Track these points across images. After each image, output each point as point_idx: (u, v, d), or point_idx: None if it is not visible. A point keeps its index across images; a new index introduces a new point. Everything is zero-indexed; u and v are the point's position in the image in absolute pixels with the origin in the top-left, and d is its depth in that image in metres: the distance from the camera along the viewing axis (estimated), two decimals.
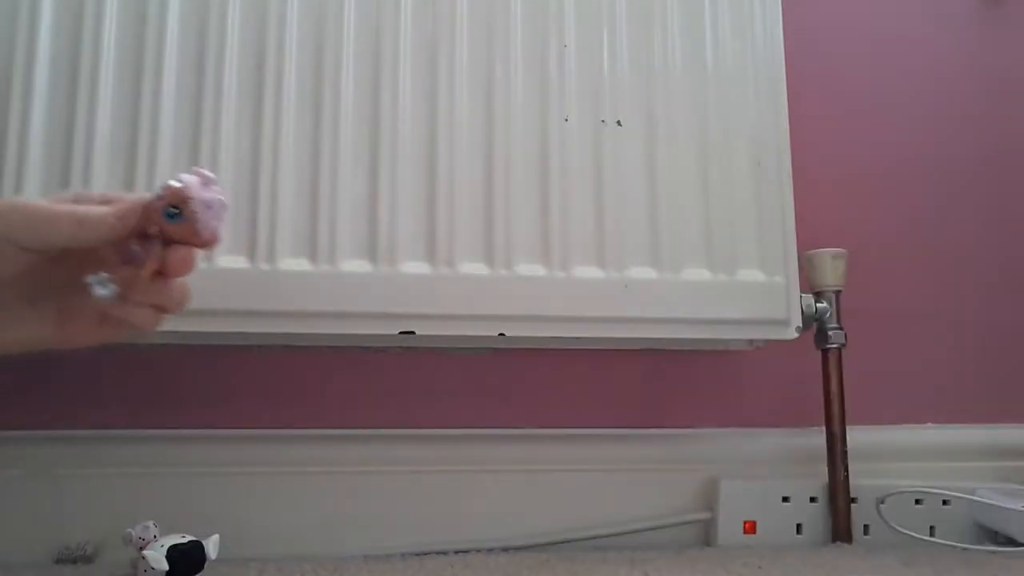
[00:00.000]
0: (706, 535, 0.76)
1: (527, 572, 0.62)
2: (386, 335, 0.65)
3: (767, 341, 0.74)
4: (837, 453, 0.74)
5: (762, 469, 0.78)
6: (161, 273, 0.42)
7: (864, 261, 0.81)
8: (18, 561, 0.65)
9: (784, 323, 0.71)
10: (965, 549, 0.70)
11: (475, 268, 0.66)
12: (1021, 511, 0.69)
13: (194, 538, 0.56)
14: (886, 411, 0.82)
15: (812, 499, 0.75)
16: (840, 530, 0.73)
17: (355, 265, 0.64)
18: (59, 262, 0.44)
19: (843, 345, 0.75)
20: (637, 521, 0.75)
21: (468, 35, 0.69)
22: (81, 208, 0.42)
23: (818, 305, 0.74)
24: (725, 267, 0.70)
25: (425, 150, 0.67)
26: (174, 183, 0.42)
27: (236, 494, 0.70)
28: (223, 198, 0.43)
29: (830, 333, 0.74)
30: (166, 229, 0.42)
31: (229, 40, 0.65)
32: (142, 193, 0.46)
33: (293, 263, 0.64)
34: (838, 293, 0.75)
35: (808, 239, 0.74)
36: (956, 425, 0.83)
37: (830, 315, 0.74)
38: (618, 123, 0.70)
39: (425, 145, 0.67)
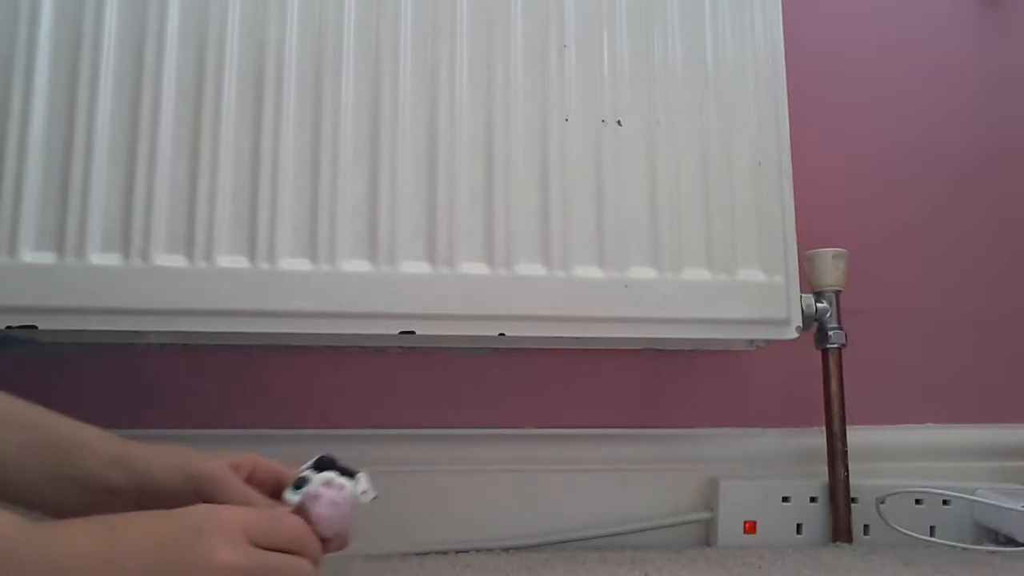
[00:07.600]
0: (706, 535, 0.76)
1: (527, 572, 0.62)
2: (386, 335, 0.65)
3: (767, 341, 0.74)
4: (837, 453, 0.74)
5: (762, 469, 0.78)
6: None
7: (864, 261, 0.81)
8: None
9: (784, 323, 0.71)
10: (965, 549, 0.70)
11: (475, 268, 0.66)
12: (1021, 511, 0.69)
13: None
14: (886, 411, 0.82)
15: (812, 499, 0.75)
16: (840, 530, 0.73)
17: (355, 265, 0.64)
18: None
19: (843, 345, 0.75)
20: (637, 521, 0.75)
21: (468, 35, 0.69)
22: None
23: (818, 305, 0.74)
24: (725, 267, 0.70)
25: (425, 150, 0.67)
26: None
27: None
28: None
29: (830, 333, 0.74)
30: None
31: (229, 39, 0.65)
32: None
33: (293, 263, 0.64)
34: (838, 293, 0.75)
35: (808, 239, 0.74)
36: (956, 425, 0.83)
37: (830, 315, 0.74)
38: (618, 123, 0.70)
39: (425, 145, 0.67)
